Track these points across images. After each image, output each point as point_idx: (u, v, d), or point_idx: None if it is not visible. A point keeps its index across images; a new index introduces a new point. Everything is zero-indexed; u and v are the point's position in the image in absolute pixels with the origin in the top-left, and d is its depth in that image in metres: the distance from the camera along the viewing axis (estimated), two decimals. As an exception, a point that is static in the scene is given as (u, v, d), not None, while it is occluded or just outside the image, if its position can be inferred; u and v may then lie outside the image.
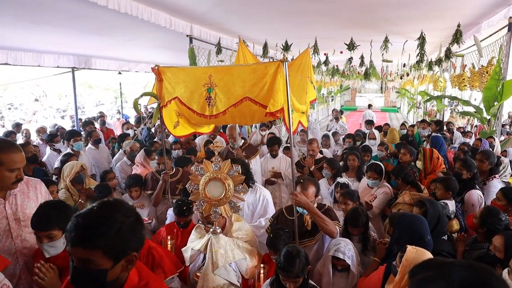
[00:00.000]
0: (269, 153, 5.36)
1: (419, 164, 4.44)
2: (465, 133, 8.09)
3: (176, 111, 3.51)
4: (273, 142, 5.33)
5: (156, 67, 3.36)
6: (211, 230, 2.62)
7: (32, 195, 2.34)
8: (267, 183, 5.08)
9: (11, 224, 2.17)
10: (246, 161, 4.63)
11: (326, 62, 10.60)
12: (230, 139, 5.10)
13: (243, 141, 5.49)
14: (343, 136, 7.68)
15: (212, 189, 2.63)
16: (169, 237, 3.07)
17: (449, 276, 0.91)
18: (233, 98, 3.00)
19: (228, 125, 5.49)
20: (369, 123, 8.84)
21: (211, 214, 2.60)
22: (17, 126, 8.71)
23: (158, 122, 3.64)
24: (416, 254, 1.92)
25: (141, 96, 3.61)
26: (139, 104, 4.31)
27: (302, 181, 2.91)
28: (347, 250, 2.58)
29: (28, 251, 2.24)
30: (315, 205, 2.86)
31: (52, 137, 6.23)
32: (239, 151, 4.94)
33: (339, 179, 4.15)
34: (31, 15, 5.15)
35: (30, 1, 4.53)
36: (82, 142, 5.52)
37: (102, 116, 10.85)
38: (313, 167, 5.07)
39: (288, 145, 7.34)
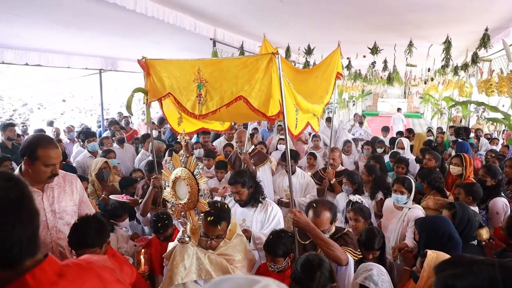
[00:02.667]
0: (284, 168, 4.62)
1: (455, 170, 4.27)
2: (491, 140, 7.88)
3: (177, 107, 3.19)
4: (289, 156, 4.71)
5: (144, 59, 3.04)
6: (177, 237, 2.29)
7: (68, 190, 2.47)
8: (280, 204, 4.29)
9: (48, 216, 2.31)
10: (254, 168, 4.42)
11: (348, 67, 10.53)
12: (238, 143, 4.75)
13: (252, 146, 5.06)
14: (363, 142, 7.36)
15: (178, 190, 2.30)
16: (143, 251, 2.76)
17: (478, 273, 0.89)
18: (226, 97, 2.63)
19: (238, 129, 5.30)
20: (385, 129, 8.49)
21: (180, 219, 2.31)
22: (51, 123, 9.11)
23: (152, 119, 3.37)
24: (437, 258, 1.91)
25: (133, 93, 3.25)
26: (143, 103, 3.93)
27: (314, 205, 2.52)
28: (380, 281, 2.07)
29: (62, 241, 2.36)
30: (333, 230, 2.54)
31: (80, 134, 6.54)
32: (247, 156, 4.51)
33: (351, 197, 3.66)
34: (64, 19, 5.35)
35: (64, 5, 4.71)
36: (96, 142, 5.77)
37: (126, 117, 11.13)
38: (334, 179, 4.56)
39: (282, 136, 7.08)
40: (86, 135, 5.81)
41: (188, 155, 2.26)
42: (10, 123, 6.54)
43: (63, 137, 8.40)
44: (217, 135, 7.12)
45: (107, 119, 10.94)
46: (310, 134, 7.25)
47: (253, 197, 3.13)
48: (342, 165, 5.03)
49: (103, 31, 6.31)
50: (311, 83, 3.70)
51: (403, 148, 6.10)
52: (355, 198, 3.58)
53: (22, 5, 4.53)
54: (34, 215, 0.95)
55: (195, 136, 7.03)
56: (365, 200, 3.68)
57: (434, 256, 1.92)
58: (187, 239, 2.26)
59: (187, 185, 2.18)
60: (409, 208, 3.37)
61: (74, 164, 5.51)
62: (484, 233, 2.99)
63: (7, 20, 5.11)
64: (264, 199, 3.22)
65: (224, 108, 2.68)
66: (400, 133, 8.24)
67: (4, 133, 6.07)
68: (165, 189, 2.40)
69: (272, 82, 2.40)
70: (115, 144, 6.28)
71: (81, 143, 6.41)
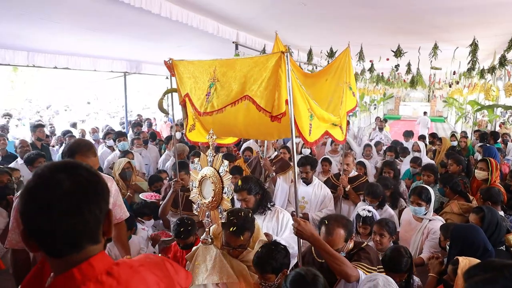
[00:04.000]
0: (300, 176, 4.06)
1: (480, 174, 4.15)
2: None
3: (193, 112, 3.13)
4: (304, 162, 4.03)
5: (170, 61, 3.04)
6: (201, 238, 2.29)
7: None
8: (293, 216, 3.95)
9: None
10: (274, 174, 4.25)
11: (371, 69, 10.42)
12: (261, 147, 4.57)
13: (276, 152, 4.79)
14: (385, 147, 7.11)
15: (204, 189, 2.29)
16: (159, 255, 2.63)
17: (509, 277, 0.88)
18: (232, 95, 2.56)
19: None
20: (408, 134, 8.24)
21: (205, 219, 2.28)
22: (74, 125, 9.38)
23: (177, 121, 3.24)
24: (470, 264, 1.87)
25: (165, 94, 3.32)
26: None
27: (326, 222, 2.26)
28: None
29: None
30: (350, 247, 2.28)
31: (105, 135, 6.70)
32: (267, 162, 4.27)
33: (359, 211, 3.27)
34: (90, 22, 5.52)
35: (91, 10, 4.87)
36: (127, 142, 5.92)
37: (148, 119, 11.38)
38: (349, 186, 4.29)
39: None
40: (117, 135, 6.01)
41: (215, 154, 2.26)
42: (40, 124, 6.76)
43: (88, 137, 8.64)
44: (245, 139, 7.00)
45: (130, 121, 11.20)
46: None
47: (261, 204, 2.99)
48: (355, 171, 4.78)
49: (128, 34, 6.47)
50: (320, 87, 3.47)
51: (419, 151, 5.93)
52: (365, 212, 3.21)
53: (52, 10, 4.71)
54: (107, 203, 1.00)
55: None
56: (375, 211, 3.32)
57: (467, 263, 1.88)
58: (210, 240, 2.25)
59: (212, 183, 2.18)
60: (430, 220, 3.15)
61: (105, 163, 5.66)
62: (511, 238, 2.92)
63: (36, 25, 5.31)
64: (273, 205, 3.08)
65: (230, 108, 2.59)
66: (422, 137, 8.05)
67: (34, 134, 6.28)
68: (192, 190, 2.38)
69: (280, 80, 2.32)
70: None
71: (106, 143, 6.60)
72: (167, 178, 4.81)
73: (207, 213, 2.29)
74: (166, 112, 3.28)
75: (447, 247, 2.55)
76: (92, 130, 8.50)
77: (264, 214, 3.00)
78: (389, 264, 2.39)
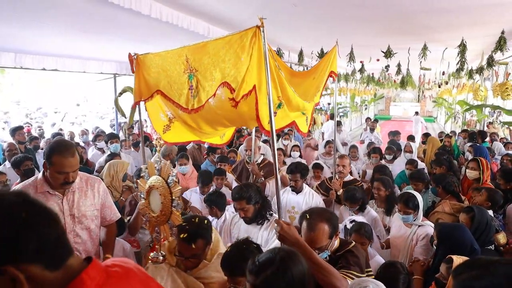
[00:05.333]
0: (290, 184, 3.82)
1: (472, 174, 4.19)
2: (505, 144, 7.75)
3: (166, 112, 2.86)
4: (294, 169, 3.75)
5: (135, 55, 2.67)
6: (150, 256, 2.04)
7: (89, 194, 2.47)
8: None
9: (66, 219, 2.31)
10: (263, 179, 4.06)
11: (361, 70, 10.49)
12: (247, 151, 4.33)
13: (262, 156, 4.52)
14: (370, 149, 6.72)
15: (152, 201, 2.05)
16: None
17: (495, 273, 0.90)
18: (214, 86, 2.22)
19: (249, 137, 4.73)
20: (394, 134, 8.17)
21: (154, 235, 2.05)
22: (53, 125, 9.25)
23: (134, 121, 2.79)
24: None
25: (121, 93, 2.94)
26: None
27: (308, 216, 2.02)
28: None
29: (79, 246, 2.36)
30: (336, 245, 2.08)
31: (96, 137, 6.63)
32: (255, 167, 4.07)
33: (347, 224, 3.07)
34: (79, 23, 5.46)
35: (80, 11, 4.81)
36: (119, 144, 5.86)
37: (138, 121, 11.31)
38: (341, 190, 4.01)
39: (296, 143, 6.60)
40: (109, 137, 5.96)
41: (162, 161, 2.01)
42: (18, 127, 6.58)
43: (78, 140, 8.55)
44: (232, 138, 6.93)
45: (120, 123, 11.11)
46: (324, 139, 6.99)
47: (260, 214, 2.81)
48: (351, 175, 4.64)
49: (118, 36, 6.41)
50: (309, 85, 3.23)
51: (411, 152, 5.86)
52: (347, 222, 3.07)
53: (40, 11, 4.64)
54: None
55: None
56: (358, 217, 3.20)
57: (461, 261, 1.90)
58: (161, 258, 2.00)
59: (160, 194, 1.95)
60: (419, 226, 3.11)
61: (97, 165, 5.59)
62: (501, 238, 2.97)
63: (25, 26, 5.23)
64: (272, 215, 2.87)
65: (210, 101, 2.26)
66: (411, 138, 8.06)
67: (14, 138, 6.12)
68: (140, 201, 2.15)
69: (252, 63, 2.02)
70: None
71: (96, 145, 6.53)
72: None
73: (156, 228, 2.06)
74: (122, 113, 2.78)
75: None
76: (81, 132, 8.42)
77: (262, 224, 2.82)
78: (383, 282, 2.05)
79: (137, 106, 2.83)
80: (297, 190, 3.76)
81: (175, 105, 2.50)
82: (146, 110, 2.87)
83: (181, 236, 2.00)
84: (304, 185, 3.86)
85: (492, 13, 5.49)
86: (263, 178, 4.11)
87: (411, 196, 3.12)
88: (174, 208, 1.93)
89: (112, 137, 5.94)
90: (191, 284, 1.98)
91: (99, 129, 9.37)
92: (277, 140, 7.05)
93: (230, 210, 3.86)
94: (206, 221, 2.18)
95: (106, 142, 5.93)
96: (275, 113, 2.27)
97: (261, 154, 4.93)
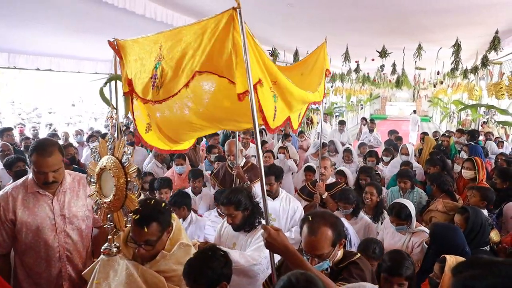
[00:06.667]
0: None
1: (467, 174, 4.21)
2: (497, 143, 7.80)
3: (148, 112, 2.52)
4: (267, 172, 3.31)
5: (114, 41, 2.38)
6: (102, 248, 1.81)
7: (81, 194, 2.43)
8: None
9: (57, 220, 2.28)
10: (248, 183, 3.85)
11: (357, 70, 10.51)
12: (229, 156, 4.13)
13: (244, 159, 4.34)
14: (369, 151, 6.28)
15: (104, 185, 1.82)
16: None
17: (498, 274, 0.88)
18: (185, 75, 1.93)
19: (228, 140, 4.56)
20: (392, 132, 8.07)
21: (106, 224, 1.82)
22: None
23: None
24: (457, 262, 1.89)
25: (107, 82, 2.47)
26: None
27: (310, 218, 1.82)
28: None
29: (70, 246, 2.34)
30: (338, 256, 1.86)
31: (89, 137, 6.59)
32: (240, 171, 3.81)
33: None
34: (73, 23, 5.44)
35: (74, 10, 4.78)
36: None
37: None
38: (326, 194, 3.84)
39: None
40: (103, 137, 5.90)
41: (116, 138, 1.80)
42: (6, 128, 6.52)
43: (72, 140, 8.50)
44: (227, 137, 6.75)
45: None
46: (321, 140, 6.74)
47: (248, 221, 2.59)
48: (347, 179, 4.50)
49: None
50: (296, 81, 2.75)
51: (407, 154, 5.56)
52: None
53: (34, 11, 4.61)
54: None
55: (204, 139, 7.00)
56: (349, 227, 3.00)
57: (454, 261, 1.91)
58: (114, 250, 1.78)
59: (113, 176, 1.73)
60: (413, 233, 2.99)
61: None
62: (494, 235, 2.98)
63: (19, 25, 5.20)
64: (260, 223, 2.61)
65: (184, 91, 1.96)
66: (399, 139, 7.99)
67: (1, 139, 6.03)
68: (89, 185, 1.95)
69: (235, 46, 1.79)
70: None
71: (90, 146, 6.49)
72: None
73: (109, 216, 1.84)
74: (109, 103, 2.35)
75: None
76: (75, 133, 8.36)
77: (249, 232, 2.61)
78: (389, 265, 2.13)
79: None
80: (272, 195, 3.39)
81: (136, 96, 2.21)
82: (130, 105, 2.49)
83: (133, 217, 1.80)
84: (281, 189, 3.54)
85: (486, 13, 5.52)
86: (248, 182, 3.89)
87: (403, 207, 2.97)
88: (129, 191, 1.72)
89: (104, 138, 5.90)
90: (150, 278, 1.79)
91: (94, 130, 9.32)
92: (281, 139, 6.90)
93: (213, 214, 3.80)
94: (163, 204, 1.97)
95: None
96: (275, 107, 2.08)
97: (253, 156, 4.81)
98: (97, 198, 1.85)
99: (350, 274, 1.75)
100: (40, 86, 19.41)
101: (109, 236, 1.82)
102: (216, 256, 1.81)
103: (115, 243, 1.81)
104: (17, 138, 7.33)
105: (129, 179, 1.72)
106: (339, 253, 1.87)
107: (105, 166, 1.77)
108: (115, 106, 2.20)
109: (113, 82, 2.30)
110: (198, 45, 1.86)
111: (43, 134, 8.97)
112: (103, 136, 4.29)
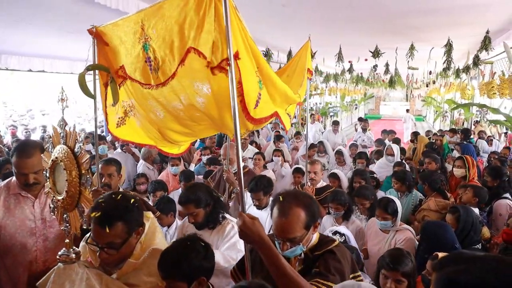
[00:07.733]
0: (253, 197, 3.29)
1: (458, 172, 4.23)
2: (488, 142, 7.87)
3: (123, 102, 2.35)
4: (254, 188, 3.22)
5: (93, 27, 2.18)
6: (59, 254, 1.57)
7: None
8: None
9: (37, 223, 2.19)
10: (238, 189, 3.49)
11: (350, 70, 10.57)
12: (225, 160, 3.96)
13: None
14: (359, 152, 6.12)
15: (58, 180, 1.60)
16: None
17: (482, 268, 0.89)
18: (178, 53, 1.81)
19: (224, 143, 4.36)
20: (389, 132, 8.02)
21: (62, 226, 1.61)
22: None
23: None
24: None
25: (87, 70, 2.23)
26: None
27: (281, 199, 1.63)
28: None
29: (48, 250, 2.23)
30: (314, 241, 1.70)
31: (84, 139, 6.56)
32: (231, 176, 3.66)
33: (328, 233, 2.70)
34: (66, 24, 5.41)
35: (67, 11, 4.77)
36: (106, 146, 5.80)
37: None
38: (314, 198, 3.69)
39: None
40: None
41: (66, 125, 1.57)
42: None
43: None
44: (221, 137, 6.62)
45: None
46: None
47: (211, 217, 2.47)
48: (341, 182, 4.43)
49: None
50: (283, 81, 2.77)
51: (392, 155, 5.39)
52: (329, 233, 2.74)
53: (26, 11, 4.59)
54: None
55: (198, 141, 6.92)
56: (347, 232, 2.87)
57: None
58: (73, 256, 1.53)
59: (65, 169, 1.49)
60: (397, 231, 2.94)
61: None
62: (485, 232, 3.02)
63: (12, 26, 5.17)
64: (224, 218, 2.51)
65: (181, 69, 1.82)
66: (396, 141, 7.96)
67: None
68: (47, 182, 1.71)
69: (218, 14, 1.67)
70: (118, 149, 6.32)
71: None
72: (145, 182, 4.58)
73: (65, 216, 1.60)
74: (91, 95, 2.24)
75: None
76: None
77: (213, 228, 2.49)
78: (387, 261, 2.10)
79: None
80: (261, 207, 3.29)
81: (135, 82, 2.06)
82: (104, 97, 2.34)
83: (93, 214, 1.52)
84: (269, 199, 3.33)
85: (477, 13, 5.58)
86: (238, 188, 3.75)
87: (391, 201, 2.95)
88: (82, 187, 1.49)
89: (99, 139, 5.88)
90: None
91: (87, 132, 9.28)
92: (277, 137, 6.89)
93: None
94: (133, 200, 1.65)
95: (93, 145, 5.83)
96: (259, 93, 1.90)
97: (250, 158, 4.71)
98: (52, 195, 1.62)
99: (327, 267, 1.57)
100: (33, 88, 19.26)
101: (66, 240, 1.57)
102: (195, 246, 1.61)
103: (73, 248, 1.57)
104: (9, 140, 7.29)
105: (82, 172, 1.49)
106: (314, 237, 1.70)
107: (56, 157, 1.53)
108: (93, 95, 2.12)
109: (93, 72, 2.18)
110: (183, 19, 1.73)
111: (36, 136, 8.92)
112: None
